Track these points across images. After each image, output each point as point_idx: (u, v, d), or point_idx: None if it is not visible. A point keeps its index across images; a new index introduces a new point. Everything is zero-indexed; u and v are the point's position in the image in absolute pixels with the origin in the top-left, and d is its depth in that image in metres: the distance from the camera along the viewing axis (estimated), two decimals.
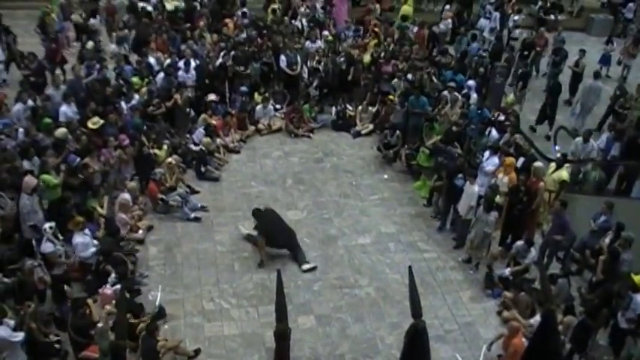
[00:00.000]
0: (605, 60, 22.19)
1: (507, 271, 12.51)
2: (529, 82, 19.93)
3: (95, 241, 11.99)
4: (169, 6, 21.76)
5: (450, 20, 22.80)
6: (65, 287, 11.29)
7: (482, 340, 11.44)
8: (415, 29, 21.48)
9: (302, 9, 22.14)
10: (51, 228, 11.43)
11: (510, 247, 12.84)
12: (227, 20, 20.82)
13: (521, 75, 19.28)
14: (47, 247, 11.34)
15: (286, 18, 21.49)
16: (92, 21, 20.31)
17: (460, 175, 13.70)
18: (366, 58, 19.32)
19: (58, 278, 11.38)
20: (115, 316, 9.76)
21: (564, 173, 13.92)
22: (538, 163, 13.98)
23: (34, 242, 12.00)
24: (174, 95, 16.53)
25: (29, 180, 12.02)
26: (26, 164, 12.91)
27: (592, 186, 15.09)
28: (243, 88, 17.86)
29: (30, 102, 15.02)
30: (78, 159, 13.38)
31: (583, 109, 18.77)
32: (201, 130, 16.34)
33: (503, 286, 12.50)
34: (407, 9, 22.55)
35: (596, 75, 18.88)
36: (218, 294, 12.29)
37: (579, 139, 15.90)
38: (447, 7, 24.00)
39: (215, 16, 21.41)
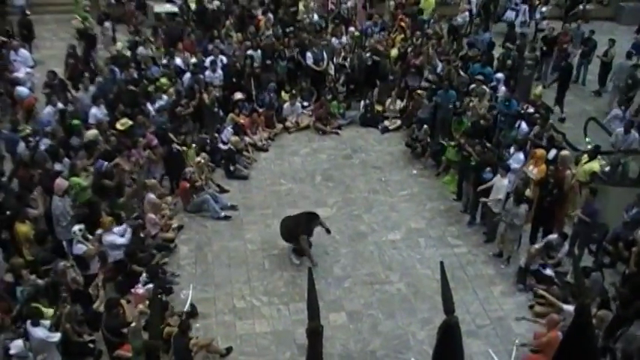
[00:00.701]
0: (637, 49, 21.82)
1: (549, 271, 12.34)
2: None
3: (123, 240, 12.07)
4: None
5: (467, 13, 22.65)
6: (90, 290, 11.40)
7: (515, 335, 11.35)
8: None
9: (311, 4, 22.17)
10: (80, 230, 11.56)
11: (549, 244, 12.61)
12: (260, 17, 20.90)
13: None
14: (79, 248, 11.49)
15: (308, 15, 21.48)
16: (106, 24, 20.50)
17: (488, 169, 13.60)
18: (394, 52, 19.27)
19: (91, 279, 11.52)
20: (148, 316, 9.85)
21: (595, 165, 13.77)
22: (565, 152, 13.86)
23: (64, 243, 12.16)
24: (203, 94, 16.58)
25: (60, 182, 12.16)
26: (57, 166, 13.06)
27: (632, 178, 14.83)
28: (272, 84, 17.90)
29: (60, 105, 15.17)
30: (105, 163, 13.46)
31: (615, 88, 18.83)
32: (229, 129, 16.40)
33: (536, 280, 12.38)
34: (425, 3, 22.44)
35: (629, 55, 18.96)
36: (249, 292, 12.34)
37: (620, 129, 15.65)
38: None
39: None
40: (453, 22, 21.93)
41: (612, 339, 10.59)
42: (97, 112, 15.07)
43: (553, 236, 12.52)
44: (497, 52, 19.72)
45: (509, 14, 23.05)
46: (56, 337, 9.84)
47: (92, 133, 14.05)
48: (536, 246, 12.61)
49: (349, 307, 12.08)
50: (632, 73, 18.22)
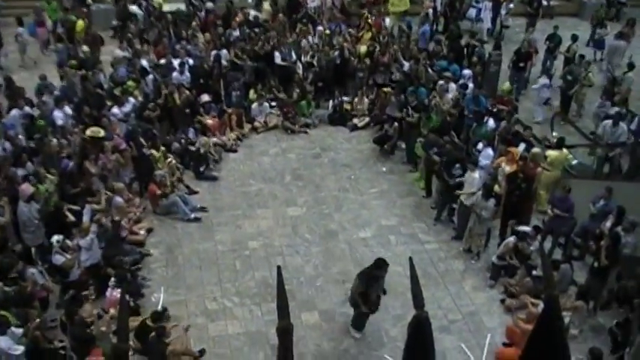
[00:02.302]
0: (599, 44, 22.18)
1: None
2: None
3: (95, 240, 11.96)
4: (168, 7, 21.81)
5: (431, 10, 22.82)
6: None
7: (487, 329, 11.47)
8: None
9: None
10: (58, 242, 11.42)
11: (522, 235, 12.55)
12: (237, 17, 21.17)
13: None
14: (58, 259, 11.35)
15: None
16: (19, 30, 20.25)
17: (457, 165, 13.68)
18: (362, 48, 19.34)
19: (71, 285, 11.37)
20: (117, 320, 9.75)
21: (551, 152, 14.18)
22: (536, 149, 13.99)
23: (32, 250, 11.99)
24: (174, 95, 16.46)
25: (25, 188, 11.98)
26: (20, 171, 12.85)
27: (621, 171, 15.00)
28: (236, 83, 17.89)
29: (27, 109, 14.96)
30: (71, 164, 13.32)
31: (610, 66, 20.12)
32: (192, 130, 16.33)
33: (508, 274, 12.50)
34: (400, 3, 22.58)
35: (619, 35, 20.28)
36: (221, 293, 12.28)
37: (608, 121, 15.59)
38: None
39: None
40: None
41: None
42: (60, 115, 14.90)
43: (527, 228, 12.59)
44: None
45: (471, 11, 23.27)
46: (19, 349, 9.64)
47: (54, 143, 13.82)
48: (512, 239, 12.62)
49: (322, 306, 12.08)
50: (571, 69, 18.46)
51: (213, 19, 21.15)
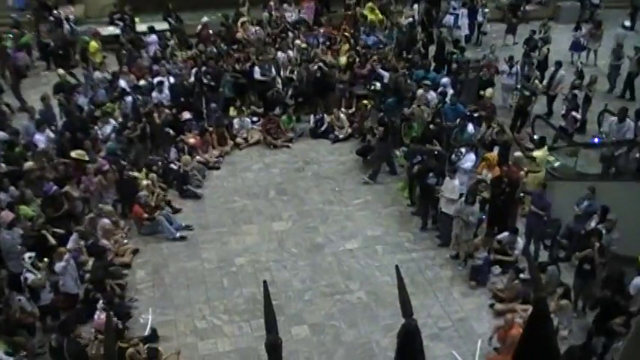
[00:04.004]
0: (576, 46, 22.38)
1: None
2: None
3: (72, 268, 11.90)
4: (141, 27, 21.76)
5: (411, 19, 22.92)
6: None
7: (477, 335, 11.46)
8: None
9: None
10: (30, 258, 11.32)
11: (493, 235, 12.85)
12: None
13: None
14: (28, 276, 11.24)
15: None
16: None
17: (431, 174, 13.72)
18: (342, 60, 19.38)
19: (45, 309, 11.26)
20: (104, 342, 9.68)
21: (536, 152, 14.30)
22: (518, 153, 14.06)
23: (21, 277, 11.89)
24: (154, 114, 16.42)
25: (5, 215, 11.86)
26: (2, 196, 12.76)
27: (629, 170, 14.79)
28: (213, 105, 17.86)
29: (3, 134, 14.85)
30: (55, 187, 13.24)
31: (580, 62, 21.39)
32: (173, 149, 16.27)
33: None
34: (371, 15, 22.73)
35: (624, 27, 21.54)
36: (209, 311, 12.22)
37: (613, 118, 15.45)
38: (415, 6, 24.14)
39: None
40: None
41: None
42: (41, 138, 14.83)
43: (505, 234, 12.69)
44: None
45: (448, 19, 23.40)
46: None
47: (28, 164, 13.74)
48: (480, 236, 12.86)
49: (311, 319, 12.05)
50: (523, 84, 18.43)
51: (207, 34, 21.16)
